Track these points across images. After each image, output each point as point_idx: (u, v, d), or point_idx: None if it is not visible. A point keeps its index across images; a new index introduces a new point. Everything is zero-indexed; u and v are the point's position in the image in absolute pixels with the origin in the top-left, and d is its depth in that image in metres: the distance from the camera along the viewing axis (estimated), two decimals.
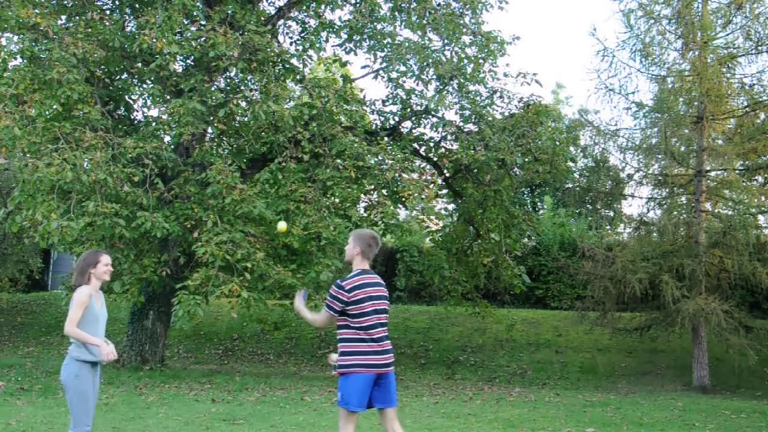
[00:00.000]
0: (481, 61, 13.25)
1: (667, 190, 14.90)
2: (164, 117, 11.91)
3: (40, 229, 10.37)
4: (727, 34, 14.33)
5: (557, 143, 13.27)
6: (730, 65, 14.13)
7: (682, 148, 14.41)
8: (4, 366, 12.80)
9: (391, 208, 12.14)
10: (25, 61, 11.42)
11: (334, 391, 11.20)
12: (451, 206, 14.92)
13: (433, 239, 14.91)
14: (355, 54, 14.25)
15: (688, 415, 9.47)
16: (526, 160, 13.26)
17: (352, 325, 4.89)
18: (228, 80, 13.36)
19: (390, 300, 5.12)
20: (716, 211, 14.72)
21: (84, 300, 4.82)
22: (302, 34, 14.23)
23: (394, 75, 13.74)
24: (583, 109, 15.92)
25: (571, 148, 14.40)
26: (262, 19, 13.31)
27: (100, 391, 9.97)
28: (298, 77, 13.38)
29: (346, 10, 14.12)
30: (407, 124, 14.40)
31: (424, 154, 14.46)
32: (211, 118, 12.01)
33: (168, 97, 12.04)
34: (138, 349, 12.75)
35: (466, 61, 13.22)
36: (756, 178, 14.77)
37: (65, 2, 12.28)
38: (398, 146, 12.77)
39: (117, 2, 13.14)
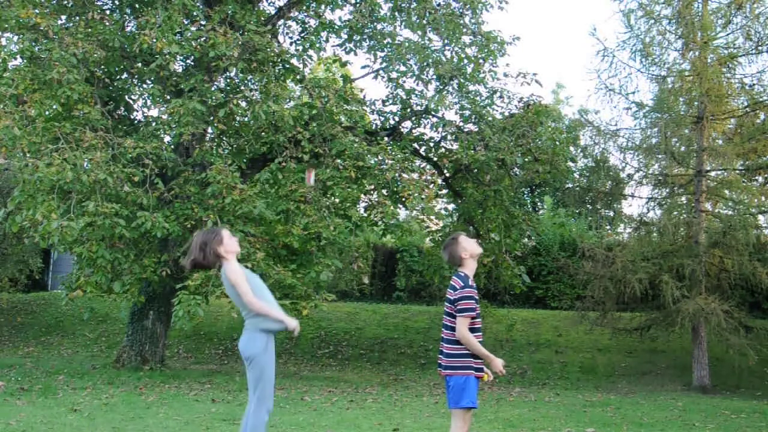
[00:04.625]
0: (481, 61, 13.24)
1: (667, 190, 14.89)
2: (164, 117, 11.91)
3: (40, 229, 10.36)
4: (727, 34, 14.33)
5: (557, 143, 13.25)
6: (730, 65, 14.12)
7: (682, 148, 14.41)
8: (4, 366, 12.80)
9: (391, 208, 12.13)
10: (25, 61, 11.41)
11: (334, 391, 11.22)
12: (451, 206, 14.90)
13: (433, 239, 14.90)
14: (355, 54, 14.26)
15: (688, 415, 9.47)
16: (526, 160, 13.25)
17: None
18: (228, 80, 13.35)
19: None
20: (716, 211, 14.72)
21: (240, 270, 4.62)
22: (302, 34, 14.23)
23: (394, 75, 13.73)
24: (583, 109, 15.94)
25: (571, 148, 14.39)
26: (262, 19, 13.31)
27: (100, 392, 9.99)
28: (298, 77, 13.38)
29: (346, 10, 14.13)
30: (407, 124, 14.39)
31: (424, 154, 14.46)
32: (211, 118, 12.00)
33: (168, 97, 12.04)
34: (138, 349, 12.75)
35: (466, 61, 13.21)
36: (756, 178, 14.77)
37: (65, 2, 12.27)
38: (398, 146, 12.77)
39: (117, 2, 13.14)
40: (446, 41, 13.13)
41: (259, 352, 4.63)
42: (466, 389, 4.84)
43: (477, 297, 4.92)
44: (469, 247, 5.01)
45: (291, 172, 11.63)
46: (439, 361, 5.00)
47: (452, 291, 4.93)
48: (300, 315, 11.96)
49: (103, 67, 12.28)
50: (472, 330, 4.86)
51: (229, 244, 4.75)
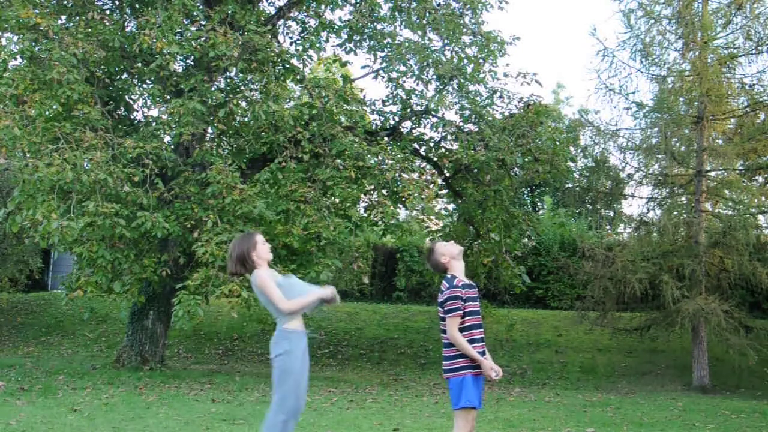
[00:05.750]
0: (481, 61, 13.24)
1: (667, 190, 14.90)
2: (164, 117, 11.90)
3: (40, 229, 10.36)
4: (728, 34, 14.33)
5: (557, 143, 13.25)
6: (730, 65, 14.12)
7: (682, 148, 14.41)
8: (4, 366, 12.80)
9: (391, 208, 12.13)
10: (25, 61, 11.41)
11: (334, 391, 11.22)
12: (451, 206, 14.91)
13: (433, 239, 14.90)
14: (355, 54, 14.26)
15: (688, 415, 9.47)
16: (526, 160, 13.24)
17: None
18: (228, 80, 13.35)
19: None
20: (716, 211, 14.72)
21: (269, 276, 4.60)
22: (302, 34, 14.23)
23: (394, 75, 13.73)
24: (583, 109, 15.92)
25: (571, 148, 14.38)
26: (262, 19, 13.31)
27: (100, 392, 9.99)
28: (298, 77, 13.37)
29: (346, 10, 14.13)
30: (407, 124, 14.39)
31: (424, 154, 14.46)
32: (211, 118, 12.00)
33: (168, 97, 12.04)
34: (138, 349, 12.75)
35: (466, 61, 13.21)
36: (756, 178, 14.77)
37: (65, 2, 12.27)
38: (398, 146, 12.77)
39: (117, 2, 13.14)
40: (446, 41, 13.13)
41: (281, 353, 4.61)
42: (463, 389, 4.88)
43: (467, 295, 4.93)
44: (446, 252, 5.09)
45: (291, 172, 11.63)
46: (442, 365, 5.07)
47: (440, 294, 5.01)
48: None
49: (103, 67, 12.27)
50: (466, 328, 4.89)
51: (262, 250, 4.76)
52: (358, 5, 13.52)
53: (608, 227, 17.95)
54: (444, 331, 4.97)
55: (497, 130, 12.70)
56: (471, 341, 4.88)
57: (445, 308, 4.90)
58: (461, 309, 4.88)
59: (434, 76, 13.34)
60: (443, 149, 14.35)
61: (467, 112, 13.38)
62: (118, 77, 13.02)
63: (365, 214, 12.78)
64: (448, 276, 5.03)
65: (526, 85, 13.71)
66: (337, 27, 13.91)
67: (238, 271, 4.75)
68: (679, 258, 13.46)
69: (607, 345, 16.17)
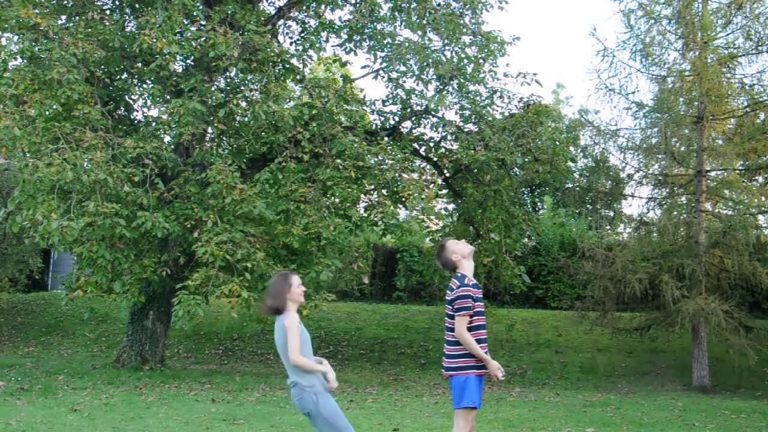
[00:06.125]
0: (481, 61, 13.24)
1: (667, 190, 14.90)
2: (164, 117, 11.91)
3: (40, 229, 10.37)
4: (728, 34, 14.33)
5: (557, 143, 13.26)
6: (730, 65, 14.12)
7: (682, 148, 14.41)
8: (4, 366, 12.80)
9: (391, 208, 12.13)
10: (25, 61, 11.42)
11: (334, 391, 11.20)
12: (451, 206, 14.91)
13: (433, 239, 14.91)
14: (355, 54, 14.26)
15: (688, 415, 9.47)
16: (526, 160, 13.25)
17: None
18: (228, 80, 13.36)
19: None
20: (716, 211, 14.72)
21: (298, 326, 4.76)
22: (302, 34, 14.24)
23: (394, 75, 13.73)
24: (583, 109, 15.93)
25: (571, 148, 14.39)
26: (262, 19, 13.31)
27: (100, 392, 9.99)
28: (298, 77, 13.38)
29: (346, 10, 14.14)
30: (407, 124, 14.40)
31: (424, 154, 14.46)
32: (211, 118, 12.00)
33: (168, 97, 12.04)
34: (138, 349, 12.75)
35: (466, 61, 13.22)
36: (756, 178, 14.77)
37: (65, 2, 12.28)
38: (398, 146, 12.77)
39: (117, 2, 13.14)
40: (446, 41, 13.14)
41: (313, 403, 4.78)
42: (467, 389, 4.86)
43: (476, 295, 4.91)
44: (458, 250, 5.06)
45: (291, 172, 11.63)
46: (443, 363, 5.02)
47: (450, 292, 4.97)
48: (300, 315, 11.97)
49: (103, 67, 12.28)
50: (474, 328, 4.87)
51: (296, 293, 4.90)
52: (358, 5, 13.52)
53: (608, 227, 17.94)
54: (451, 329, 4.92)
55: (497, 130, 12.71)
56: (477, 341, 4.86)
57: (455, 306, 4.86)
58: (471, 308, 4.85)
59: (434, 76, 13.34)
60: (443, 149, 14.35)
61: (467, 112, 13.39)
62: (118, 77, 13.03)
63: (365, 214, 12.78)
64: (459, 274, 4.99)
65: (526, 85, 13.73)
66: (337, 27, 13.92)
67: (273, 307, 4.87)
68: (679, 258, 13.46)
69: (607, 345, 16.17)
